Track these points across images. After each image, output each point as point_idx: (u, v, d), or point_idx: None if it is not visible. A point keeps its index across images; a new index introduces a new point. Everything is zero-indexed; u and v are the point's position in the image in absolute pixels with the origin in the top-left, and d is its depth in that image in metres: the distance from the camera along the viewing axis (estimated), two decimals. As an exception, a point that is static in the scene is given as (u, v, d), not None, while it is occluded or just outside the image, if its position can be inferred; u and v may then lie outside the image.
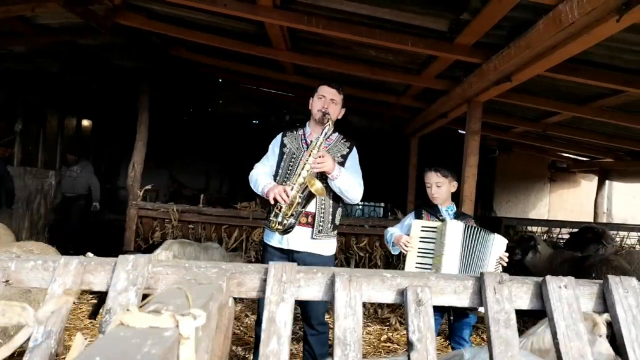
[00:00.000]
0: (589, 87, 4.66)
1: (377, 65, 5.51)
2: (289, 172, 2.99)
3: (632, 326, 1.12)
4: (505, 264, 2.96)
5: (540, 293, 1.22)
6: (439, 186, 3.18)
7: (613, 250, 4.87)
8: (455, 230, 2.91)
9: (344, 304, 1.13)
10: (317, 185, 2.81)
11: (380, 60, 5.34)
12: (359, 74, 5.71)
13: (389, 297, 1.21)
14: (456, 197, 5.10)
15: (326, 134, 2.93)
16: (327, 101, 3.03)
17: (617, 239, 5.92)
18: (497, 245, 2.91)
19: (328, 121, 2.94)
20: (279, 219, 2.87)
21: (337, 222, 3.11)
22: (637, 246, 6.46)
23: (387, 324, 5.22)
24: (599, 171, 8.41)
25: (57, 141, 8.94)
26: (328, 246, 3.10)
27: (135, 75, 6.84)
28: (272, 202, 2.88)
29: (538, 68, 3.60)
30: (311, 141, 3.03)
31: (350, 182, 2.94)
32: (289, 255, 3.07)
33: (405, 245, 3.05)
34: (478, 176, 5.03)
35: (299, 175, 2.86)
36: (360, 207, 11.93)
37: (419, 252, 3.04)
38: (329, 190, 2.97)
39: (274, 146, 3.17)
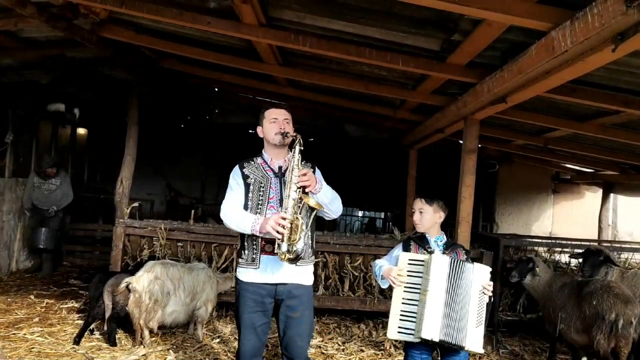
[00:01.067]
0: (589, 106, 4.49)
1: (371, 81, 5.37)
2: (260, 202, 2.89)
3: None
4: (489, 294, 2.81)
5: None
6: (422, 212, 3.04)
7: (618, 273, 4.69)
8: (440, 264, 2.78)
9: None
10: (313, 200, 2.73)
11: (374, 75, 5.20)
12: (353, 89, 5.56)
13: None
14: (452, 219, 4.95)
15: (298, 151, 2.81)
16: (281, 122, 2.93)
17: (622, 258, 5.71)
18: (478, 275, 2.77)
19: (296, 139, 2.82)
20: (284, 249, 2.71)
21: (313, 245, 3.02)
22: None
23: (382, 347, 5.06)
24: (603, 184, 8.19)
25: (51, 151, 8.84)
26: (309, 274, 3.02)
27: (126, 86, 6.72)
28: (275, 235, 2.70)
29: (533, 91, 3.45)
30: (279, 167, 2.95)
31: (332, 193, 2.92)
32: (274, 290, 2.93)
33: (395, 278, 2.91)
34: (479, 188, 4.89)
35: (289, 197, 2.74)
36: (360, 217, 11.78)
37: (405, 287, 2.90)
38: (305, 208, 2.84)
39: (236, 179, 2.99)
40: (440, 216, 3.08)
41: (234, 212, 2.89)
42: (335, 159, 9.70)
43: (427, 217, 3.02)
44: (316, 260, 5.64)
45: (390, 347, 4.99)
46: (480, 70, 3.89)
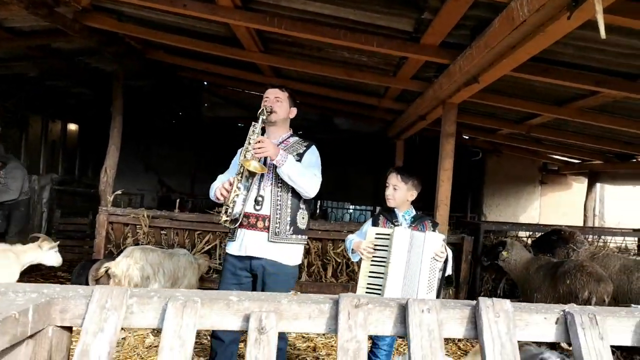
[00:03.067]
0: (565, 88, 4.53)
1: (352, 67, 5.41)
2: None
3: (499, 357, 0.99)
4: (442, 261, 2.83)
5: (405, 317, 1.09)
6: (396, 189, 3.05)
7: (588, 254, 4.71)
8: (401, 237, 2.80)
9: (172, 333, 1.01)
10: (253, 164, 2.73)
11: (355, 61, 5.24)
12: (335, 75, 5.60)
13: (235, 324, 1.09)
14: (431, 201, 5.00)
15: (263, 120, 2.87)
16: (272, 100, 2.99)
17: (601, 243, 5.76)
18: (429, 243, 2.79)
19: (260, 110, 2.89)
20: (227, 211, 2.78)
21: (300, 225, 2.99)
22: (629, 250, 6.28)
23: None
24: (589, 174, 8.25)
25: (41, 145, 8.87)
26: (290, 253, 2.97)
27: (113, 77, 6.76)
28: (221, 199, 2.81)
29: (502, 68, 3.48)
30: (277, 144, 2.94)
31: (299, 170, 2.85)
32: (249, 265, 2.96)
33: (365, 251, 2.94)
34: (468, 180, 4.94)
35: (241, 165, 2.79)
36: (351, 210, 11.82)
37: (372, 260, 2.93)
38: (282, 184, 2.89)
39: (236, 158, 3.11)
40: (413, 194, 3.10)
41: (215, 182, 3.01)
42: (325, 152, 9.75)
43: (399, 193, 3.04)
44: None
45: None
46: (453, 51, 3.92)
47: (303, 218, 3.03)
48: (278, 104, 2.99)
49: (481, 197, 9.33)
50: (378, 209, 11.51)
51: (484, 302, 1.09)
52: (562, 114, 5.16)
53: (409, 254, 2.76)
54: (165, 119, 10.79)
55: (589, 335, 0.99)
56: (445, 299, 1.18)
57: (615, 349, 4.65)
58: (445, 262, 2.91)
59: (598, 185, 8.34)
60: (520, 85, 4.74)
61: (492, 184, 9.29)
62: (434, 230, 3.02)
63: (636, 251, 5.93)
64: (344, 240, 5.65)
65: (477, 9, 3.17)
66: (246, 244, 2.91)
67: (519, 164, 9.24)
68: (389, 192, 3.07)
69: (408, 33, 3.97)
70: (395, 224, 3.02)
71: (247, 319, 1.06)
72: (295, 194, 2.94)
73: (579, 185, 9.08)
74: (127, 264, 4.47)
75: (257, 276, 2.96)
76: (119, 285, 4.48)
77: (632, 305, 1.12)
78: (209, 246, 5.54)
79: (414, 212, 3.12)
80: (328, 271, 5.72)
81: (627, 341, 1.04)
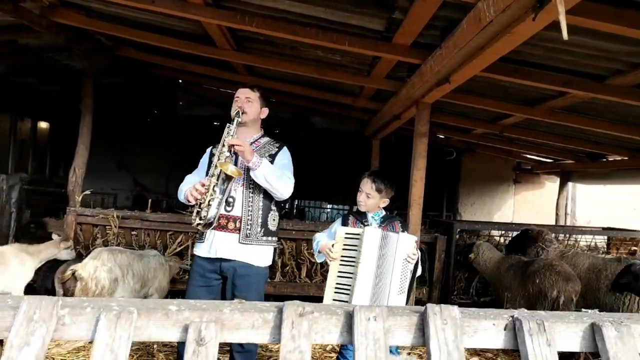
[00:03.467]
0: (535, 88, 4.58)
1: (326, 66, 5.38)
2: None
3: None
4: (413, 262, 2.83)
5: (351, 325, 1.06)
6: (369, 197, 3.05)
7: (557, 252, 4.77)
8: (372, 237, 2.80)
9: (103, 347, 0.96)
10: (230, 167, 2.70)
11: (328, 60, 5.20)
12: (309, 74, 5.56)
13: (174, 335, 1.05)
14: (405, 201, 5.00)
15: (237, 121, 2.83)
16: (242, 100, 2.96)
17: (571, 241, 5.85)
18: (402, 244, 2.79)
19: (235, 112, 2.86)
20: (200, 214, 2.72)
21: (270, 226, 2.97)
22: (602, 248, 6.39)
23: None
24: (561, 173, 8.38)
25: (9, 144, 8.64)
26: (261, 255, 2.96)
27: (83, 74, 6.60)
28: (192, 201, 2.75)
29: (472, 69, 3.49)
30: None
31: (274, 172, 2.84)
32: (219, 267, 2.92)
33: (332, 253, 2.92)
34: (443, 179, 4.95)
35: (215, 165, 2.74)
36: (328, 210, 11.79)
37: (342, 260, 2.92)
38: (254, 186, 2.86)
39: (204, 158, 3.09)
40: (385, 202, 3.10)
41: (182, 184, 2.97)
42: (302, 151, 9.71)
43: (372, 202, 3.05)
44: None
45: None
46: (424, 51, 3.92)
47: (274, 220, 3.01)
48: (249, 104, 2.96)
49: (457, 196, 9.40)
50: (355, 208, 11.51)
51: (432, 309, 1.06)
52: (533, 114, 5.22)
53: (380, 254, 2.76)
54: (140, 117, 10.62)
55: (536, 342, 0.98)
56: (394, 306, 1.15)
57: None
58: (416, 263, 2.92)
59: (570, 184, 8.47)
60: (492, 85, 4.77)
61: (468, 183, 9.37)
62: (403, 231, 3.02)
63: (605, 249, 6.04)
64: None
65: (446, 9, 3.16)
66: (216, 245, 2.87)
67: (493, 163, 9.34)
68: (361, 198, 3.06)
69: (379, 32, 3.95)
70: (365, 224, 3.01)
71: (186, 329, 1.02)
72: (267, 196, 2.92)
73: (552, 184, 9.22)
74: (95, 266, 4.36)
75: (227, 278, 2.92)
76: (85, 288, 4.37)
77: (583, 309, 1.11)
78: (182, 247, 5.45)
79: (383, 213, 3.11)
80: (302, 271, 5.69)
81: (575, 347, 1.03)
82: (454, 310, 1.07)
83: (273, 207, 3.00)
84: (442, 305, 1.09)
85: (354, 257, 2.86)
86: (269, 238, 2.97)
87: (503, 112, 5.69)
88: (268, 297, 5.99)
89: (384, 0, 3.40)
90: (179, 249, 5.40)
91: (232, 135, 2.81)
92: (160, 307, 1.06)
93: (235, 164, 2.84)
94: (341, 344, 1.05)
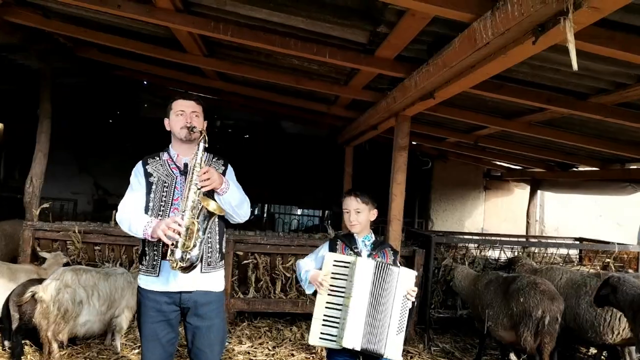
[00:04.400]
0: (515, 103, 4.52)
1: (302, 75, 5.19)
2: (163, 204, 2.61)
3: None
4: (413, 299, 2.70)
5: None
6: (359, 212, 2.87)
7: (529, 268, 4.78)
8: (365, 268, 2.64)
9: None
10: (213, 203, 2.47)
11: (305, 69, 5.02)
12: (284, 83, 5.36)
13: None
14: (382, 210, 4.86)
15: (205, 147, 2.59)
16: (189, 115, 2.68)
17: (547, 254, 5.86)
18: (402, 280, 2.66)
19: (201, 134, 2.60)
20: (177, 256, 2.45)
21: (223, 250, 2.78)
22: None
23: (313, 351, 4.90)
24: (531, 181, 8.45)
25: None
26: (218, 280, 2.77)
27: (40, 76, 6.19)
28: (166, 241, 2.47)
29: (459, 86, 3.38)
30: (185, 164, 2.70)
31: (239, 197, 2.67)
32: (178, 299, 2.68)
33: (321, 285, 2.74)
34: (414, 185, 4.85)
35: (187, 198, 2.49)
36: (298, 217, 11.61)
37: (330, 290, 2.74)
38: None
39: (138, 177, 2.72)
40: (374, 214, 2.95)
41: (128, 215, 2.62)
42: (272, 156, 9.51)
43: (363, 216, 2.87)
44: (246, 261, 5.44)
45: (321, 351, 4.83)
46: (408, 65, 3.79)
47: (225, 242, 2.85)
48: (196, 118, 2.69)
49: (428, 202, 9.38)
50: (327, 213, 11.39)
51: None
52: (510, 127, 5.18)
53: (374, 287, 2.60)
54: (101, 119, 10.15)
55: None
56: None
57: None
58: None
59: (539, 191, 8.56)
60: (472, 98, 4.69)
61: (439, 189, 9.36)
62: (394, 258, 2.88)
63: (578, 260, 6.09)
64: (293, 255, 5.48)
65: (435, 25, 3.03)
66: (176, 278, 2.61)
67: (464, 170, 9.36)
68: (352, 217, 2.87)
69: (362, 45, 3.80)
70: (355, 250, 2.84)
71: None
72: (222, 220, 2.72)
73: (521, 192, 9.31)
74: (57, 288, 4.05)
75: (187, 309, 2.70)
76: (46, 312, 4.05)
77: None
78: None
79: (373, 238, 2.95)
80: (277, 286, 5.50)
81: None
82: None
83: (225, 229, 2.81)
84: None
85: (343, 287, 2.69)
86: (223, 261, 2.80)
87: (480, 124, 5.63)
88: (242, 314, 5.77)
89: (370, 13, 3.24)
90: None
91: (200, 165, 2.54)
92: None
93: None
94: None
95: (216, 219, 2.67)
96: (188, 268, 2.46)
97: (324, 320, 2.71)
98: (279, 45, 3.79)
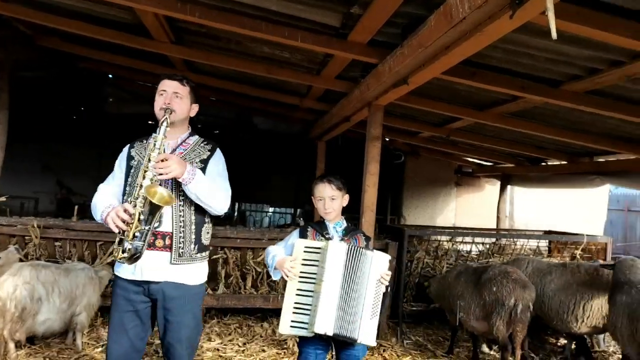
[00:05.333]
0: (488, 93, 4.53)
1: (273, 63, 5.07)
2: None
3: None
4: (386, 284, 2.62)
5: None
6: (333, 199, 2.78)
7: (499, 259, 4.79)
8: (337, 252, 2.54)
9: None
10: (159, 193, 2.30)
11: (276, 57, 4.90)
12: (255, 72, 5.23)
13: None
14: (355, 205, 4.78)
15: (165, 129, 2.43)
16: (170, 95, 2.54)
17: (518, 246, 5.90)
18: (376, 265, 2.57)
19: (165, 115, 2.45)
20: (123, 245, 2.31)
21: (204, 241, 2.62)
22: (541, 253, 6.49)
23: (285, 347, 4.77)
24: (501, 176, 8.54)
25: None
26: (195, 273, 2.61)
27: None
28: (113, 229, 2.33)
29: (434, 70, 3.31)
30: (173, 149, 2.57)
31: (209, 188, 2.49)
32: (146, 289, 2.53)
33: (289, 271, 2.63)
34: (387, 182, 4.79)
35: (140, 186, 2.34)
36: (270, 213, 11.46)
37: (301, 276, 2.64)
38: (185, 197, 2.50)
39: (121, 161, 2.63)
40: (346, 199, 2.88)
41: (96, 199, 2.53)
42: (243, 152, 9.33)
43: (337, 203, 2.79)
44: (216, 256, 5.28)
45: (293, 345, 4.71)
46: (382, 50, 3.72)
47: (207, 233, 2.67)
48: (177, 100, 2.55)
49: (401, 199, 9.37)
50: (299, 211, 11.25)
51: None
52: (483, 118, 5.18)
53: (347, 271, 2.51)
54: (65, 114, 9.78)
55: None
56: None
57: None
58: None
59: (509, 187, 8.65)
60: (445, 89, 4.67)
61: (411, 185, 9.37)
62: (367, 244, 2.79)
63: (547, 252, 6.14)
64: (264, 249, 5.33)
65: (410, 4, 2.97)
66: (142, 266, 2.46)
67: (436, 166, 9.39)
68: (327, 205, 2.77)
69: (335, 29, 3.71)
70: (327, 236, 2.74)
71: None
72: (200, 208, 2.56)
73: (491, 187, 9.40)
74: (14, 285, 3.83)
75: (156, 301, 2.54)
76: (3, 310, 3.81)
77: None
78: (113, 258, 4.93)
79: (345, 224, 2.85)
80: (248, 282, 5.33)
81: None
82: None
83: (207, 220, 2.64)
84: None
85: (314, 274, 2.59)
86: (203, 254, 2.64)
87: (452, 116, 5.63)
88: (210, 311, 5.59)
89: (344, -7, 3.15)
90: (110, 259, 4.88)
91: (158, 149, 2.39)
92: None
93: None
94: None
95: (192, 209, 2.54)
96: (130, 258, 2.31)
97: (294, 308, 2.61)
98: (249, 28, 3.66)
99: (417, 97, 4.94)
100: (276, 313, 5.59)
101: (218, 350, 4.63)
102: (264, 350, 4.66)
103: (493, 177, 9.01)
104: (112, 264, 4.93)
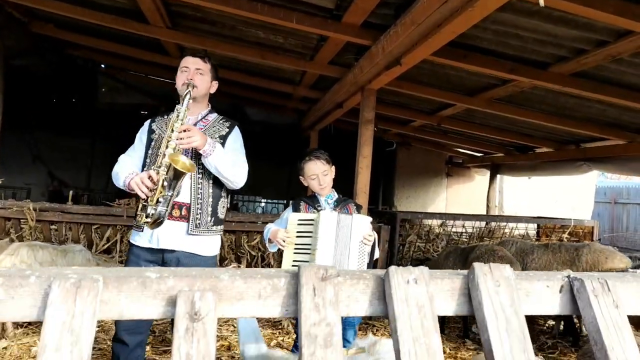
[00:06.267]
0: (478, 77, 4.63)
1: (267, 49, 5.13)
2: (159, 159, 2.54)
3: (505, 333, 0.81)
4: (370, 244, 2.68)
5: (384, 292, 0.88)
6: (326, 174, 2.86)
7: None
8: (328, 220, 2.61)
9: (59, 326, 0.71)
10: (182, 161, 2.39)
11: (270, 42, 4.96)
12: (249, 57, 5.29)
13: (155, 310, 0.81)
14: (350, 190, 4.88)
15: (188, 102, 2.51)
16: (192, 72, 2.61)
17: (507, 230, 6.03)
18: (357, 225, 2.63)
19: (188, 89, 2.52)
20: (147, 211, 2.38)
21: (220, 214, 2.70)
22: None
23: (279, 327, 4.85)
24: (491, 166, 8.68)
25: None
26: (209, 244, 2.68)
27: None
28: (139, 193, 2.41)
29: (426, 49, 3.40)
30: (194, 124, 2.64)
31: (228, 160, 2.57)
32: (161, 257, 2.60)
33: (283, 241, 2.70)
34: (379, 172, 4.87)
35: (163, 155, 2.41)
36: (263, 204, 11.52)
37: (296, 248, 2.71)
38: (203, 170, 2.60)
39: (142, 134, 2.72)
40: (334, 170, 2.95)
41: (119, 167, 2.61)
42: (235, 143, 9.32)
43: (329, 177, 2.87)
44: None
45: (288, 326, 4.79)
46: (375, 32, 3.80)
47: (223, 207, 2.75)
48: (199, 76, 2.62)
49: (392, 189, 9.47)
50: (291, 202, 11.25)
51: (480, 269, 0.90)
52: (473, 104, 5.28)
53: (337, 238, 2.58)
54: (57, 105, 9.75)
55: (603, 304, 0.84)
56: (432, 270, 0.96)
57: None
58: (373, 245, 2.77)
59: (498, 177, 8.79)
60: (436, 74, 4.76)
61: (403, 176, 9.47)
62: (358, 213, 2.87)
63: (536, 237, 6.28)
64: (259, 232, 5.41)
65: (403, -16, 3.05)
66: (160, 235, 2.54)
67: (427, 157, 9.50)
68: (322, 181, 2.84)
69: (329, 10, 3.78)
70: (318, 208, 2.82)
71: (172, 302, 0.78)
72: (218, 182, 2.65)
73: (481, 178, 9.53)
74: (12, 264, 3.85)
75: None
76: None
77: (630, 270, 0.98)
78: (110, 242, 4.98)
79: (336, 196, 2.94)
80: (242, 265, 5.40)
81: (638, 309, 0.91)
82: (506, 269, 0.91)
83: (223, 194, 2.73)
84: (493, 264, 0.92)
85: (309, 244, 2.67)
86: (219, 227, 2.72)
87: (443, 102, 5.73)
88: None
89: (338, -27, 3.23)
90: (107, 245, 4.93)
91: (181, 120, 2.49)
92: (136, 275, 0.81)
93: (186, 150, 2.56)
94: (371, 314, 0.86)
95: (211, 182, 2.63)
96: (153, 223, 2.39)
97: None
98: (245, 9, 3.73)
99: (409, 82, 5.04)
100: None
101: (214, 330, 4.69)
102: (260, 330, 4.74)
103: (483, 167, 9.15)
104: (107, 252, 4.98)
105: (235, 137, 2.75)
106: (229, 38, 5.05)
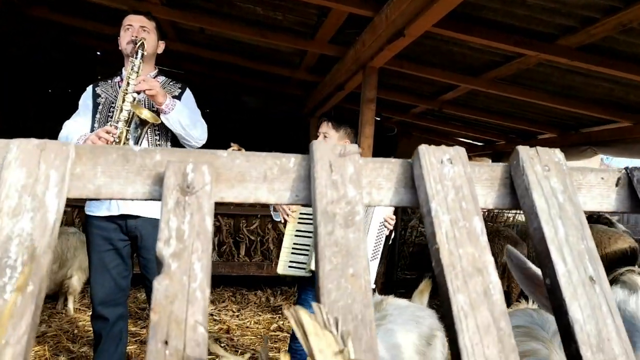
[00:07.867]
0: (482, 55, 4.51)
1: (266, 27, 5.00)
2: (109, 122, 2.43)
3: (559, 220, 0.70)
4: (390, 227, 2.59)
5: (412, 178, 0.76)
6: (326, 137, 2.77)
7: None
8: None
9: (18, 189, 0.57)
10: (146, 111, 2.33)
11: (269, 21, 4.84)
12: (248, 36, 5.16)
13: (140, 190, 0.68)
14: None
15: (141, 56, 2.41)
16: (137, 29, 2.51)
17: (509, 215, 5.93)
18: (381, 207, 2.54)
19: (139, 44, 2.42)
20: None
21: None
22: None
23: (279, 312, 4.74)
24: (493, 154, 8.56)
25: None
26: None
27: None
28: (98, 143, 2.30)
29: (431, 17, 3.27)
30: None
31: (190, 117, 2.47)
32: (123, 226, 2.48)
33: (287, 213, 2.62)
34: (380, 157, 4.72)
35: (121, 109, 2.33)
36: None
37: (300, 218, 2.64)
38: (160, 131, 2.50)
39: (85, 99, 2.60)
40: (346, 141, 2.85)
41: (67, 132, 2.48)
42: (233, 132, 9.21)
43: (330, 143, 2.75)
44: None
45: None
46: (377, 4, 3.69)
47: None
48: (145, 34, 2.51)
49: (392, 178, 9.34)
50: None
51: (526, 152, 0.78)
52: (476, 84, 5.16)
53: None
54: (54, 95, 9.58)
55: None
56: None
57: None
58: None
59: (500, 166, 8.68)
60: (439, 50, 4.64)
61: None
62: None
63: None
64: (257, 216, 5.29)
65: (408, -55, 2.93)
66: (118, 202, 2.43)
67: (427, 146, 9.37)
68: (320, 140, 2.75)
69: (331, -19, 3.67)
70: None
71: (160, 180, 0.65)
72: (176, 142, 2.54)
73: (482, 167, 9.41)
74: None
75: (136, 239, 2.50)
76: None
77: None
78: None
79: None
80: (241, 250, 5.30)
81: None
82: (556, 153, 0.79)
83: None
84: (540, 148, 0.81)
85: (307, 245, 2.62)
86: None
87: (445, 84, 5.61)
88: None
89: None
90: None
91: (137, 73, 2.39)
92: (114, 149, 0.68)
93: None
94: (396, 204, 0.74)
95: (169, 143, 2.53)
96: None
97: (293, 248, 2.60)
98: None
99: (412, 63, 4.92)
100: (270, 282, 5.55)
101: (212, 315, 4.58)
102: (258, 315, 4.62)
103: (485, 155, 9.03)
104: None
105: (188, 97, 2.65)
106: (227, 16, 4.93)
